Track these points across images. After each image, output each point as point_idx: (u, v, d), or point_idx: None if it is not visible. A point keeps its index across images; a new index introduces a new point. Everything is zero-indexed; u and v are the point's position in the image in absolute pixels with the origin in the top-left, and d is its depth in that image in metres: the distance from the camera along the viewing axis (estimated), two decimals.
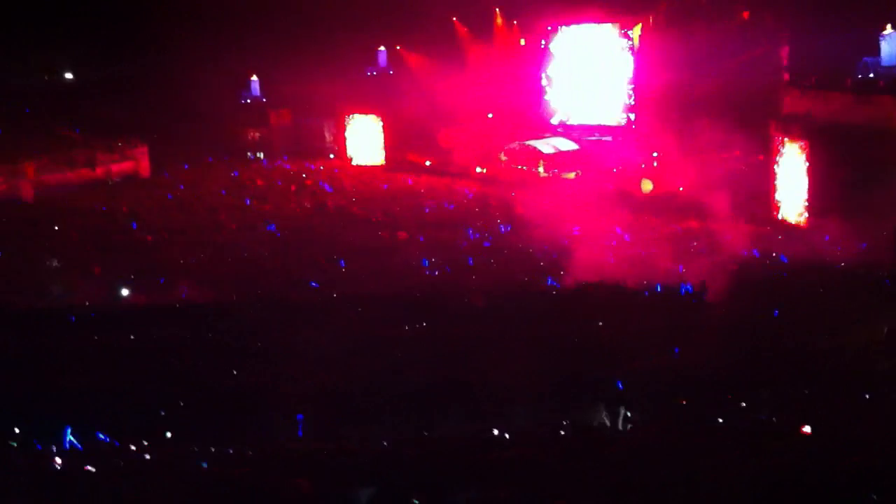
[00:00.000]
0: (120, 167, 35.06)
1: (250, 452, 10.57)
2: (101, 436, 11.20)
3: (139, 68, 39.39)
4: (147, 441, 11.08)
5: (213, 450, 10.53)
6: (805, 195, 22.54)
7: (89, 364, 13.74)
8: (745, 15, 29.33)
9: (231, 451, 10.56)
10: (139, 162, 35.57)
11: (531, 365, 13.36)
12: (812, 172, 22.27)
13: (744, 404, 11.70)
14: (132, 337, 15.53)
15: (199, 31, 36.40)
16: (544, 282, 19.09)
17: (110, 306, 18.36)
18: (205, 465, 10.06)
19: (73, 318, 16.59)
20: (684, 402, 11.99)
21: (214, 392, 12.72)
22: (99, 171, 34.39)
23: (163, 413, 11.95)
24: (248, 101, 41.87)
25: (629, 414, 11.91)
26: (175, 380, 12.96)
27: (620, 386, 12.67)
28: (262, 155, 39.61)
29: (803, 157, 22.63)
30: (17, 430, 11.07)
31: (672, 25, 30.68)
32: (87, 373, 13.33)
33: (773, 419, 11.18)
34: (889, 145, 20.71)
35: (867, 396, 11.86)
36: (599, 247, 21.70)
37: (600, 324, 15.39)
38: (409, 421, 11.85)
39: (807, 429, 10.33)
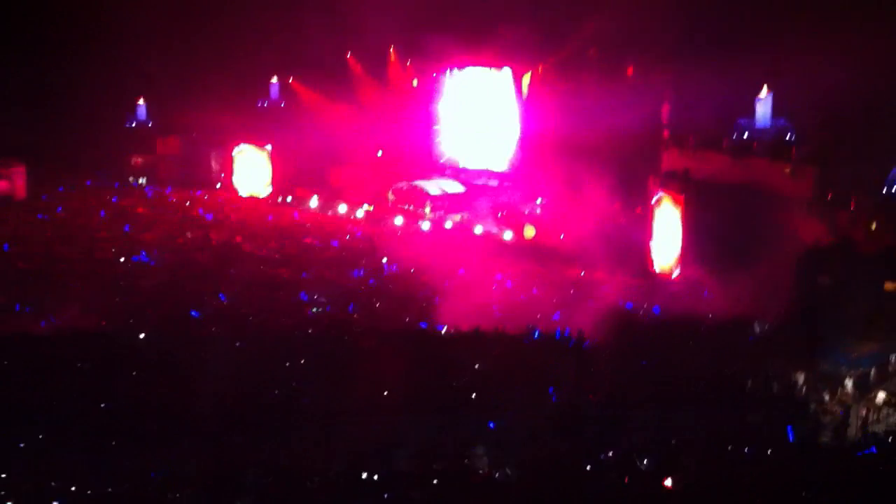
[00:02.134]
0: None
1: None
2: None
3: (19, 83, 38.09)
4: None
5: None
6: (679, 249, 23.37)
7: None
8: (630, 72, 30.40)
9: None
10: (15, 182, 34.33)
11: (409, 405, 13.56)
12: (687, 227, 23.12)
13: (611, 453, 12.09)
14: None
15: (84, 48, 35.54)
16: (426, 323, 19.26)
17: None
18: None
19: None
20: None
21: (82, 422, 12.49)
22: None
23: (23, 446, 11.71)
24: (134, 125, 40.93)
25: (499, 454, 12.19)
26: (42, 410, 12.65)
27: (492, 426, 12.96)
28: (144, 181, 38.73)
29: (679, 212, 23.49)
30: None
31: (561, 76, 31.58)
32: None
33: (639, 464, 11.61)
34: (759, 204, 21.71)
35: (728, 447, 12.44)
36: (481, 291, 22.01)
37: (476, 367, 15.62)
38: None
39: (668, 482, 10.76)
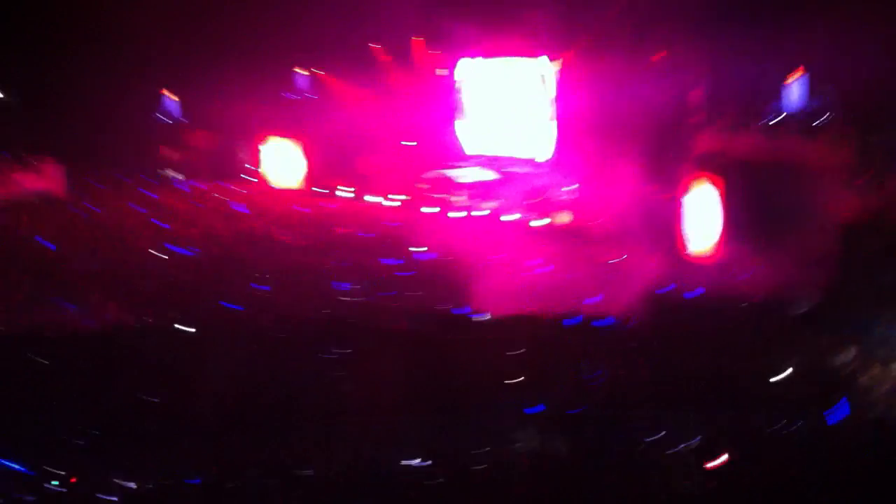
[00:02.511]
0: (34, 186, 34.25)
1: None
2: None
3: (53, 83, 38.55)
4: (49, 471, 10.95)
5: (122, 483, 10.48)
6: (717, 231, 23.23)
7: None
8: (662, 55, 30.19)
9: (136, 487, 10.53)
10: (54, 181, 34.79)
11: (452, 391, 13.61)
12: (724, 209, 22.98)
13: (663, 432, 12.06)
14: (48, 361, 15.24)
15: (116, 49, 35.87)
16: (463, 311, 19.29)
17: (28, 329, 17.94)
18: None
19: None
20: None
21: (129, 420, 12.60)
22: (11, 189, 33.56)
23: (67, 444, 11.83)
24: (166, 119, 41.29)
25: (550, 439, 12.19)
26: (88, 407, 12.78)
27: (542, 408, 12.98)
28: (181, 176, 39.08)
29: (715, 194, 23.35)
30: None
31: (592, 61, 31.39)
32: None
33: (690, 445, 11.58)
34: (797, 182, 21.53)
35: (776, 426, 12.36)
36: (516, 277, 22.04)
37: (523, 350, 15.66)
38: (325, 447, 11.95)
39: (723, 457, 10.73)
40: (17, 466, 11.01)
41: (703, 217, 24.23)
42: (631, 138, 28.46)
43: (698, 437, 12.02)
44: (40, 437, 11.95)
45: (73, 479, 10.83)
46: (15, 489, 10.32)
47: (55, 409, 12.91)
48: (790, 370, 14.25)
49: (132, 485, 10.65)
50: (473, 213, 30.83)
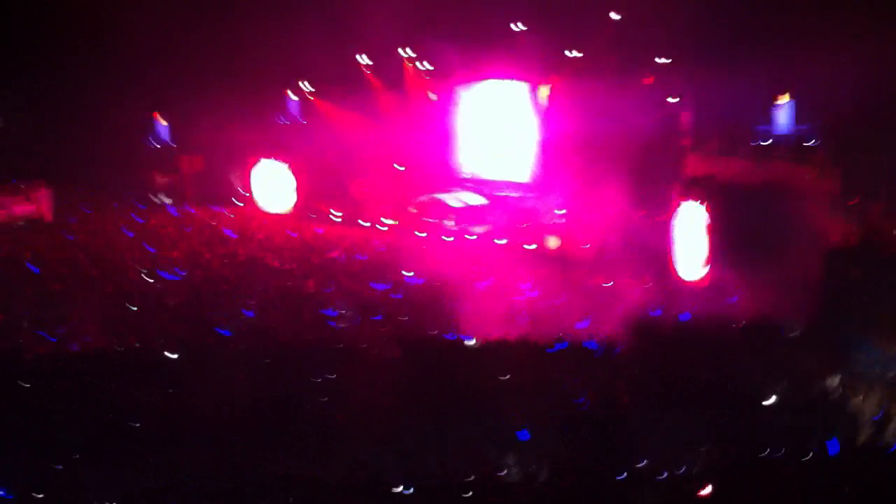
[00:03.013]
0: (22, 210, 34.17)
1: None
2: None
3: (42, 107, 38.53)
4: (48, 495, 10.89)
5: None
6: (705, 254, 23.29)
7: None
8: (649, 80, 30.37)
9: None
10: (41, 205, 34.71)
11: (440, 417, 13.55)
12: (712, 233, 23.04)
13: (646, 460, 12.02)
14: (33, 387, 15.15)
15: (105, 73, 35.92)
16: (455, 335, 19.26)
17: (14, 352, 17.85)
18: None
19: None
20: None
21: (124, 444, 12.54)
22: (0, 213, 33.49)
23: (63, 467, 11.76)
24: (157, 145, 41.31)
25: (535, 465, 12.14)
26: (81, 431, 12.71)
27: (526, 436, 12.93)
28: (169, 200, 39.06)
29: (703, 217, 23.42)
30: None
31: (579, 86, 31.57)
32: None
33: (678, 474, 11.53)
34: (785, 206, 21.62)
35: (769, 451, 12.34)
36: (506, 302, 22.05)
37: (507, 377, 15.60)
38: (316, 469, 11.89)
39: (706, 490, 10.69)
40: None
41: (690, 240, 24.30)
42: (619, 162, 28.56)
43: (687, 463, 11.99)
44: (24, 461, 11.88)
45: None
46: None
47: (40, 433, 12.84)
48: (779, 394, 14.25)
49: None
50: (463, 237, 30.93)
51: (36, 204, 34.49)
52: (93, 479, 11.59)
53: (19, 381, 15.18)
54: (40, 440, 12.43)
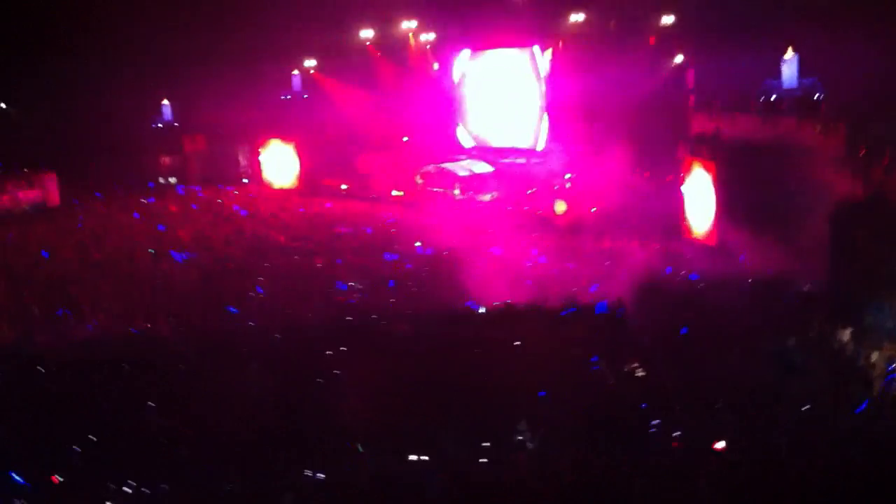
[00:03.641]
0: (28, 195, 34.25)
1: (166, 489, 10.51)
2: (16, 478, 10.99)
3: (47, 94, 38.50)
4: (66, 483, 10.93)
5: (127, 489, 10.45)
6: (713, 213, 23.19)
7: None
8: (652, 41, 30.16)
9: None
10: (48, 190, 34.79)
11: (457, 388, 13.55)
12: (719, 191, 22.93)
13: (659, 420, 12.00)
14: (48, 372, 15.20)
15: (108, 54, 35.84)
16: (464, 304, 19.24)
17: (23, 342, 17.90)
18: None
19: None
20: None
21: (137, 429, 12.55)
22: (5, 199, 33.56)
23: (82, 453, 11.78)
24: (161, 126, 41.30)
25: (553, 433, 12.12)
26: (96, 418, 12.74)
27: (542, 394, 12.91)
28: (175, 181, 39.11)
29: (710, 176, 23.31)
30: None
31: (582, 50, 31.37)
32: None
33: (692, 435, 11.52)
34: (791, 163, 21.48)
35: (780, 410, 12.31)
36: (516, 268, 22.01)
37: (519, 343, 15.60)
38: (335, 451, 11.87)
39: (720, 444, 10.65)
40: (19, 479, 11.01)
41: (698, 200, 24.19)
42: (624, 124, 28.45)
43: (700, 422, 11.96)
44: (42, 448, 11.92)
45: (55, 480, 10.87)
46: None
47: (56, 419, 12.88)
48: (789, 352, 14.21)
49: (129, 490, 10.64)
50: (472, 206, 30.87)
51: (42, 189, 34.58)
52: (105, 462, 11.61)
53: (29, 366, 15.23)
54: (51, 425, 12.47)
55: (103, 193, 35.92)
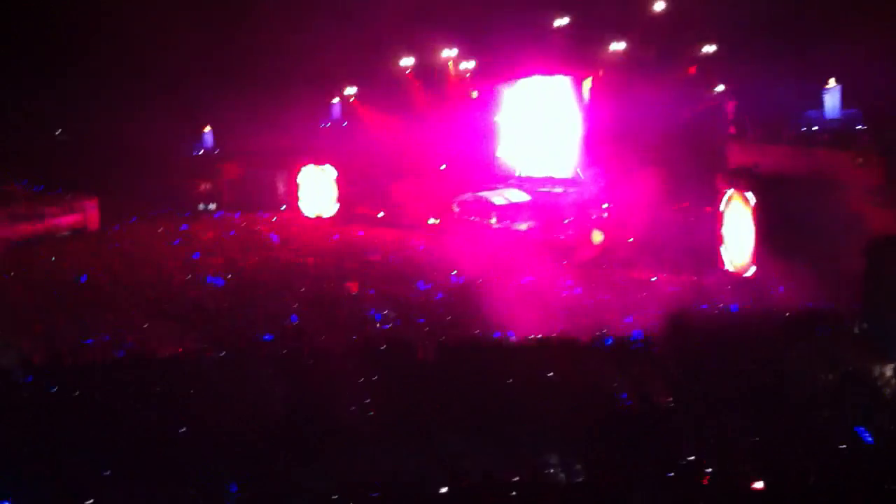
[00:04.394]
0: (68, 220, 34.60)
1: None
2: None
3: (88, 119, 39.08)
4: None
5: None
6: (751, 246, 22.87)
7: (35, 423, 13.52)
8: (693, 70, 29.96)
9: None
10: (88, 215, 35.15)
11: (488, 417, 13.39)
12: (757, 223, 22.63)
13: (694, 456, 11.73)
14: (79, 395, 15.23)
15: (151, 81, 36.35)
16: (497, 334, 19.07)
17: (57, 363, 17.99)
18: None
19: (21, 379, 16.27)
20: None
21: (163, 452, 12.51)
22: (46, 224, 33.94)
23: (110, 474, 11.76)
24: (200, 152, 41.70)
25: (585, 463, 11.92)
26: (125, 438, 12.73)
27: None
28: (212, 207, 39.39)
29: (748, 208, 23.01)
30: None
31: (622, 79, 31.23)
32: (32, 431, 13.11)
33: (727, 469, 11.23)
34: (829, 195, 21.18)
35: (818, 444, 12.00)
36: (551, 299, 21.82)
37: (551, 374, 15.39)
38: (363, 473, 11.76)
39: (759, 484, 10.38)
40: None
41: (736, 231, 23.89)
42: (663, 153, 28.19)
43: (734, 461, 11.68)
44: (71, 470, 11.92)
45: None
46: None
47: (82, 439, 12.89)
48: (828, 388, 13.89)
49: None
50: (508, 236, 30.71)
51: (82, 213, 34.95)
52: (135, 484, 11.59)
53: (63, 389, 15.27)
54: (82, 447, 12.46)
55: (143, 219, 36.25)
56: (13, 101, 37.06)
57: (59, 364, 18.08)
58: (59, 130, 38.72)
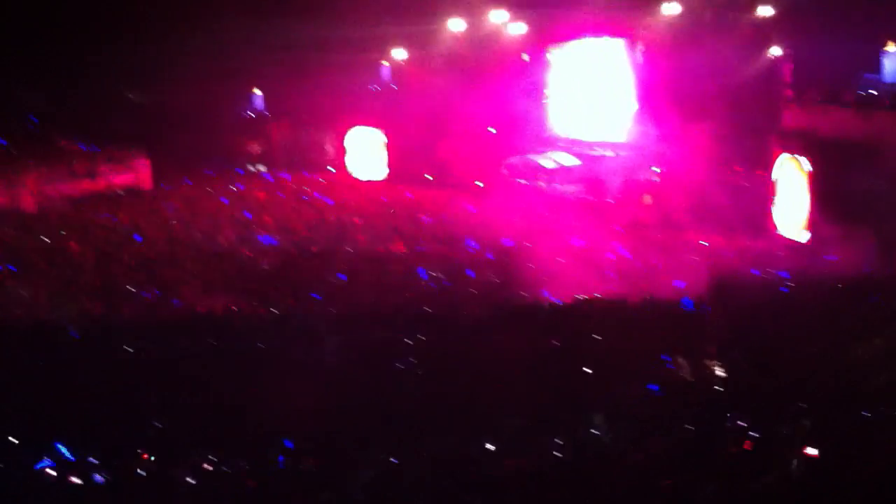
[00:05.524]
0: (121, 179, 35.16)
1: (247, 468, 10.59)
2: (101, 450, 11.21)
3: (141, 80, 39.50)
4: (146, 455, 11.11)
5: (208, 466, 10.56)
6: (805, 210, 22.54)
7: (89, 378, 13.82)
8: (747, 31, 29.40)
9: (227, 469, 10.58)
10: (140, 173, 35.66)
11: (532, 379, 13.39)
12: (812, 187, 22.28)
13: (744, 422, 11.65)
14: (132, 351, 15.53)
15: (200, 43, 36.51)
16: (545, 295, 19.06)
17: (111, 319, 18.37)
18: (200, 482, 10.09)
19: (76, 334, 16.64)
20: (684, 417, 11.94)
21: (213, 408, 12.71)
22: (100, 182, 34.49)
23: (162, 427, 11.97)
24: (251, 113, 41.97)
25: (628, 429, 11.88)
26: (176, 394, 12.97)
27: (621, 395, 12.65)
28: (262, 167, 39.70)
29: (803, 172, 22.65)
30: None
31: (674, 41, 30.74)
32: (86, 387, 13.40)
33: (774, 437, 11.15)
34: (889, 161, 20.73)
35: (869, 414, 11.84)
36: (600, 262, 21.73)
37: (598, 338, 15.36)
38: (408, 439, 11.82)
39: (811, 450, 10.29)
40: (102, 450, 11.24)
41: (790, 196, 23.53)
42: (716, 116, 27.78)
43: (788, 429, 11.58)
44: (123, 424, 12.15)
45: (145, 457, 11.02)
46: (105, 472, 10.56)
47: (138, 396, 13.15)
48: (879, 354, 13.69)
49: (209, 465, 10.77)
50: (556, 198, 30.55)
51: (134, 172, 35.45)
52: (185, 439, 11.79)
53: (119, 345, 15.59)
54: (136, 402, 12.73)
55: (193, 178, 36.66)
56: (73, 62, 37.57)
57: (116, 319, 18.52)
58: (120, 91, 39.17)
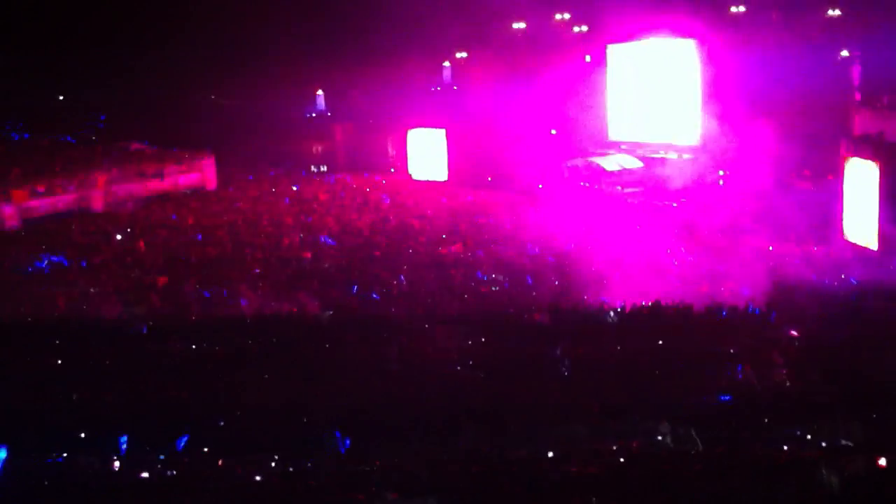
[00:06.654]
0: (187, 179, 35.71)
1: (290, 468, 10.68)
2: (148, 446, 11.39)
3: (209, 83, 40.12)
4: (191, 452, 11.27)
5: (251, 464, 10.68)
6: (875, 217, 22.02)
7: (156, 375, 14.07)
8: (816, 34, 28.90)
9: (271, 466, 10.69)
10: (206, 174, 36.18)
11: (593, 384, 13.29)
12: (883, 193, 21.75)
13: (811, 433, 11.44)
14: (193, 348, 15.77)
15: (266, 46, 36.98)
16: (606, 300, 18.87)
17: (172, 317, 18.62)
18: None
19: (143, 330, 16.93)
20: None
21: (265, 405, 12.83)
22: (167, 182, 35.07)
23: (211, 423, 12.15)
24: (313, 115, 42.37)
25: (693, 436, 11.73)
26: (239, 392, 13.13)
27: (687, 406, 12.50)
28: (325, 168, 40.03)
29: (874, 177, 22.14)
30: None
31: (743, 43, 30.32)
32: (153, 383, 13.64)
33: (843, 446, 10.94)
34: None
35: None
36: (663, 266, 21.45)
37: (661, 343, 15.18)
38: (467, 439, 11.80)
39: (882, 461, 10.07)
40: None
41: (860, 202, 23.00)
42: (784, 120, 27.30)
43: (847, 439, 11.35)
44: (187, 419, 12.32)
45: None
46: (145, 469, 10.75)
47: (203, 389, 13.35)
48: None
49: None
50: (619, 202, 30.25)
51: (199, 172, 35.97)
52: (247, 433, 11.92)
53: (182, 341, 15.83)
54: (198, 395, 12.93)
55: (257, 179, 37.08)
56: (142, 66, 38.33)
57: (181, 317, 18.79)
58: (187, 94, 39.87)
